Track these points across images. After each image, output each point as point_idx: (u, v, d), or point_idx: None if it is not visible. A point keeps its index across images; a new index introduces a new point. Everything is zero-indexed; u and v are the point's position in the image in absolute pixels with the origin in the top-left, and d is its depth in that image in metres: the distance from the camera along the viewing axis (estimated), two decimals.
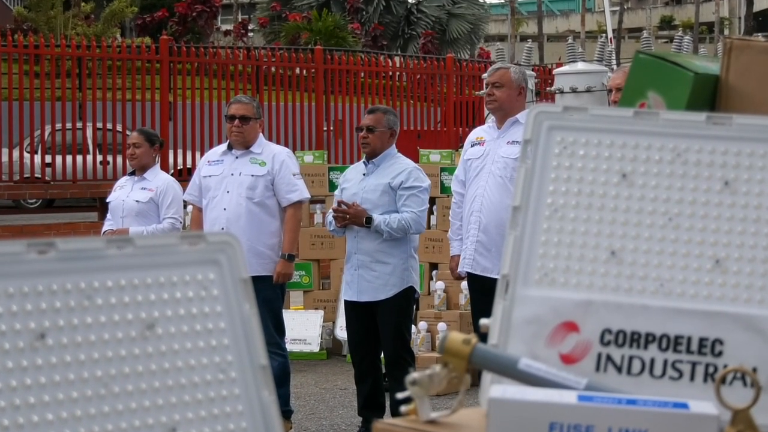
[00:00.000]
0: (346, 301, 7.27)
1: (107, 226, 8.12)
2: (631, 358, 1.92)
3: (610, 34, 17.01)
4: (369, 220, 6.99)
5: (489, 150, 7.00)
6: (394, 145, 7.26)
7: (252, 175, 7.35)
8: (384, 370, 7.38)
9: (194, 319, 1.76)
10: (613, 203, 1.97)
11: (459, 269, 7.09)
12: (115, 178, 10.31)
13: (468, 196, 7.02)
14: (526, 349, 1.93)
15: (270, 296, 7.23)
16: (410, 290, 7.11)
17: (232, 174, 7.37)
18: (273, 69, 16.34)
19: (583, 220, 1.98)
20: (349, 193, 7.18)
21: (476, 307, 7.15)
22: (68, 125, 14.51)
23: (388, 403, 7.19)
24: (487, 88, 7.22)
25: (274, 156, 7.42)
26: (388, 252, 7.05)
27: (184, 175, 13.40)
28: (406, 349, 7.14)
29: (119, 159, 14.37)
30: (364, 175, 7.21)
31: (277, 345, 7.26)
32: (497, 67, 7.22)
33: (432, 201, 7.47)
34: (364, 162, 7.29)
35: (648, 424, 1.71)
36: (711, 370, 1.90)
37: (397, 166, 7.17)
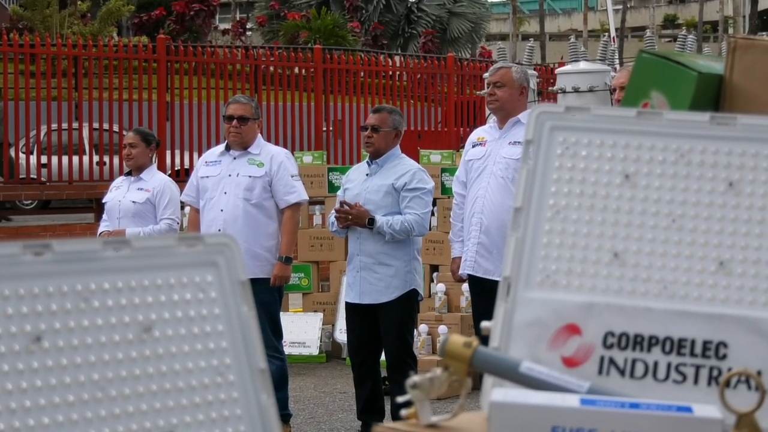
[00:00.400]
0: (347, 303, 7.21)
1: (103, 227, 8.08)
2: (634, 361, 1.90)
3: (612, 33, 17.03)
4: (371, 221, 6.95)
5: (490, 150, 6.97)
6: (398, 146, 7.19)
7: (250, 176, 7.31)
8: (384, 374, 7.34)
9: (192, 322, 1.75)
10: (615, 204, 1.96)
11: (460, 271, 7.05)
12: (112, 179, 10.26)
13: (469, 198, 6.98)
14: (527, 352, 1.92)
15: (267, 299, 7.19)
16: (413, 293, 7.06)
17: (229, 175, 7.33)
18: (271, 68, 16.31)
19: (586, 221, 1.96)
20: (352, 194, 7.12)
21: (477, 310, 7.10)
22: (64, 125, 14.46)
23: (388, 407, 7.15)
24: (488, 87, 7.18)
25: (272, 157, 7.38)
26: (391, 254, 6.99)
27: (181, 176, 13.36)
28: (408, 353, 7.09)
29: (116, 159, 14.33)
30: (367, 175, 7.14)
31: (274, 348, 7.22)
32: (499, 67, 7.18)
33: (433, 202, 7.43)
34: (367, 162, 7.23)
35: (651, 428, 1.70)
36: (715, 373, 1.89)
37: (401, 167, 7.11)
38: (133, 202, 7.91)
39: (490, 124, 7.43)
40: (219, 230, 7.09)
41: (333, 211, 7.20)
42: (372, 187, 7.05)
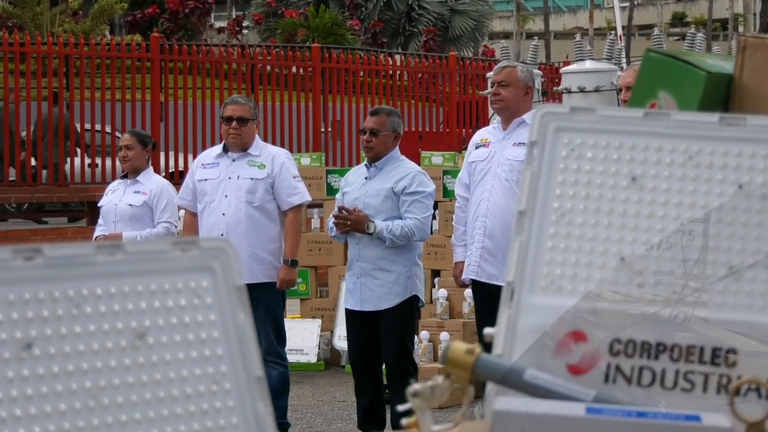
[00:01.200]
0: (347, 310, 7.14)
1: (99, 231, 8.03)
2: (641, 369, 1.88)
3: (619, 31, 17.02)
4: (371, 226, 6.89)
5: (494, 152, 6.91)
6: (397, 148, 7.11)
7: (251, 179, 7.24)
8: (385, 382, 7.28)
9: (187, 328, 1.72)
10: (622, 207, 1.94)
11: (463, 276, 6.99)
12: (105, 181, 10.22)
13: (473, 200, 6.93)
14: (532, 360, 1.88)
15: (272, 304, 7.16)
16: (414, 299, 7.00)
17: (229, 177, 7.26)
18: (269, 68, 16.29)
19: (591, 225, 1.94)
20: (351, 198, 7.06)
21: (481, 316, 7.06)
22: None
23: (388, 416, 7.09)
24: (492, 87, 7.13)
25: (273, 158, 7.32)
26: (391, 259, 6.93)
27: (176, 178, 13.26)
28: (409, 360, 7.03)
29: (108, 161, 14.29)
30: (366, 178, 7.07)
31: (277, 354, 7.17)
32: (503, 66, 7.14)
33: (434, 205, 7.37)
34: (366, 165, 7.16)
35: None
36: (724, 381, 1.86)
37: (401, 169, 7.03)
38: (130, 205, 7.86)
39: (494, 124, 7.39)
40: (222, 234, 7.01)
41: (332, 215, 7.15)
42: (371, 191, 6.99)
